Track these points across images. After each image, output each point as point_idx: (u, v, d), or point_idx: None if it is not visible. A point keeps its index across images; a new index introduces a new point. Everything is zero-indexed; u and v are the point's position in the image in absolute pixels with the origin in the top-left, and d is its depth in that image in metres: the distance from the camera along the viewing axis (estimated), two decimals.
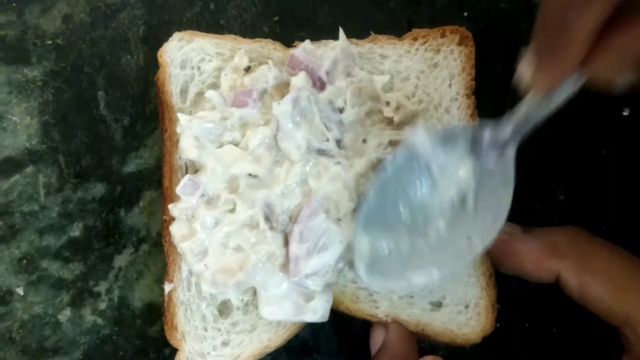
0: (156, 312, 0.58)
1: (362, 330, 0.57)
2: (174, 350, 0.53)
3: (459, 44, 0.56)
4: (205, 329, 0.53)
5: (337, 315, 0.53)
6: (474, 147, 0.48)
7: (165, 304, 0.54)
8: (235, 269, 0.51)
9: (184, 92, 0.57)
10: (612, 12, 0.35)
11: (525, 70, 0.41)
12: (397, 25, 0.62)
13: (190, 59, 0.57)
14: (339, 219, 0.51)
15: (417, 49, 0.57)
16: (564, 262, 0.48)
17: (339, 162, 0.52)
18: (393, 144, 0.54)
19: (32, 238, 0.59)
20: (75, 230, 0.59)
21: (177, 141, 0.54)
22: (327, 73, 0.54)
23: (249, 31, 0.62)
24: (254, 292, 0.53)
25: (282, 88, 0.54)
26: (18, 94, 0.61)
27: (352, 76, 0.55)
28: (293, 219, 0.51)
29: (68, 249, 0.59)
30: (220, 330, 0.54)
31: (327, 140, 0.52)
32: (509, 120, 0.46)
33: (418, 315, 0.52)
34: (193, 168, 0.55)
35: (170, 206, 0.53)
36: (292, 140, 0.51)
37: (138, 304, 0.59)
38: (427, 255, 0.49)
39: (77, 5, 0.63)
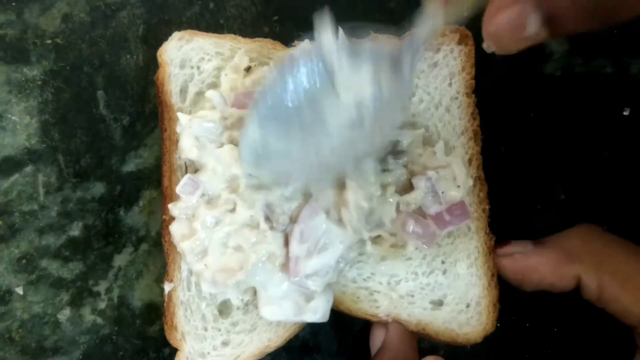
0: (156, 312, 0.58)
1: (362, 330, 0.57)
2: (174, 350, 0.53)
3: (459, 43, 0.56)
4: (205, 329, 0.53)
5: (337, 315, 0.53)
6: (377, 65, 0.46)
7: (165, 304, 0.54)
8: (235, 268, 0.51)
9: (183, 91, 0.57)
10: None
11: None
12: (397, 25, 0.62)
13: (190, 58, 0.57)
14: (340, 220, 0.51)
15: None
16: (582, 264, 0.47)
17: None
18: (392, 143, 0.53)
19: (31, 237, 0.59)
20: (75, 230, 0.59)
21: (177, 141, 0.54)
22: None
23: (248, 31, 0.62)
24: (254, 292, 0.53)
25: None
26: (17, 93, 0.61)
27: None
28: (293, 219, 0.51)
29: (67, 248, 0.59)
30: (220, 330, 0.53)
31: None
32: (408, 35, 0.45)
33: (419, 315, 0.52)
34: (193, 167, 0.55)
35: (170, 205, 0.53)
36: None
37: (138, 304, 0.59)
38: (314, 162, 0.48)
39: (76, 5, 0.62)
